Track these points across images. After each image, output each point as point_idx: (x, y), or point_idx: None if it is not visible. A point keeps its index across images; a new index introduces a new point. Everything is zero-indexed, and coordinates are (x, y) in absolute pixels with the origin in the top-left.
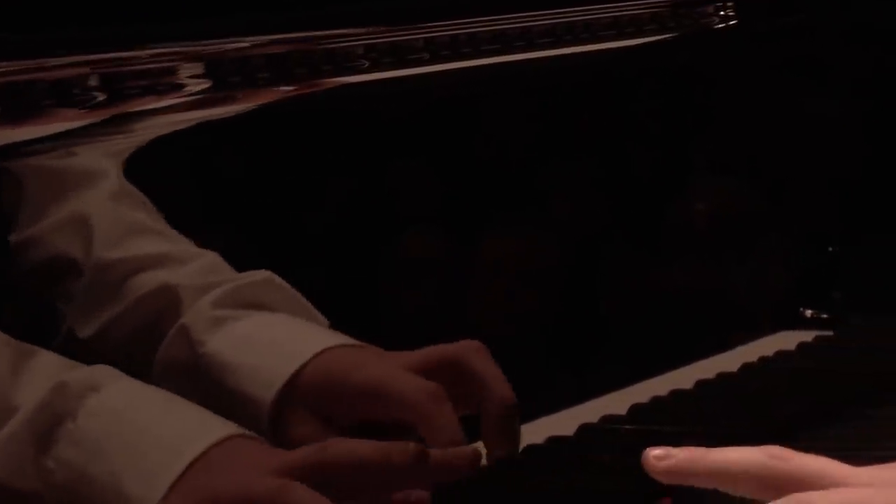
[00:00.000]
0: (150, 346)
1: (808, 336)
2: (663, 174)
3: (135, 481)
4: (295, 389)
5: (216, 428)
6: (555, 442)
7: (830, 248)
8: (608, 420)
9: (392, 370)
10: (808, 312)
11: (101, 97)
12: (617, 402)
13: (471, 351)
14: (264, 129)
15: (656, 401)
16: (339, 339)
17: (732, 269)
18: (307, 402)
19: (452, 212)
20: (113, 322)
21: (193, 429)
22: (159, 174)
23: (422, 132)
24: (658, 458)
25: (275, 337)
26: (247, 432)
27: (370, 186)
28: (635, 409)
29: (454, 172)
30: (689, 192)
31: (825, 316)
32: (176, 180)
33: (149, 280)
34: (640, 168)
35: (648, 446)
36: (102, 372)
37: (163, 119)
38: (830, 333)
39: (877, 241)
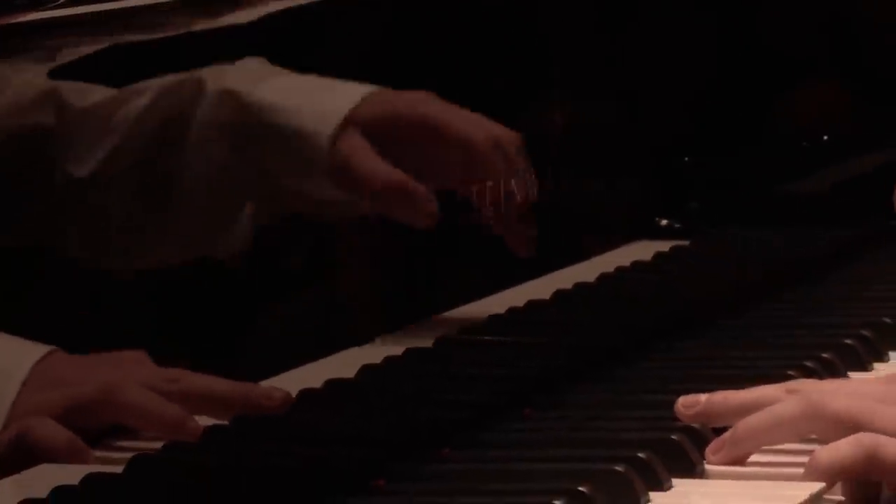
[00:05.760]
0: (172, 141)
1: (664, 246)
2: (518, 87)
3: None
4: (354, 124)
5: (36, 347)
6: (413, 354)
7: (686, 158)
8: (466, 331)
9: (451, 108)
10: (664, 222)
11: None
12: (474, 314)
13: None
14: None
15: (513, 312)
16: (378, 87)
17: (588, 178)
18: (367, 135)
19: None
20: (118, 150)
21: (14, 352)
22: None
23: (271, 50)
24: (686, 405)
25: (322, 82)
26: (57, 349)
27: None
28: (493, 321)
29: None
30: (543, 104)
31: (678, 226)
32: None
33: (141, 100)
34: (496, 80)
35: (506, 357)
36: None
37: None
38: (686, 243)
39: (732, 150)
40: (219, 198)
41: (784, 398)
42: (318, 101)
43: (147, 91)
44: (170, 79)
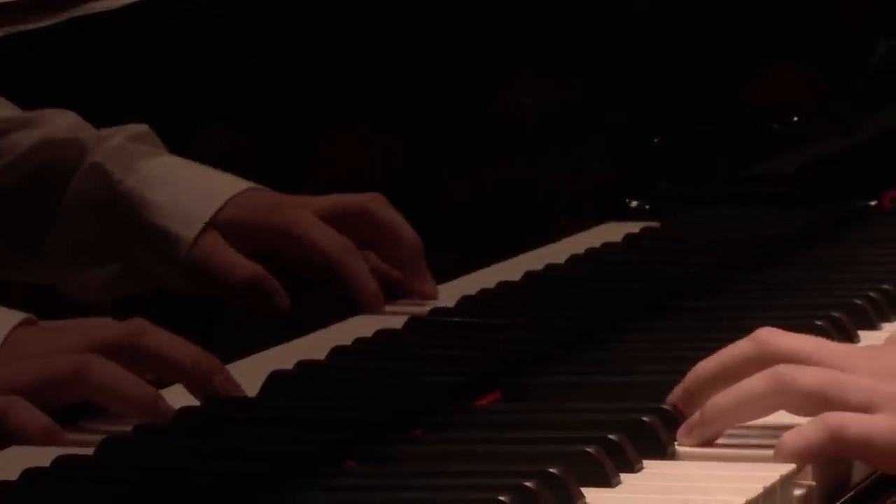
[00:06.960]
0: (46, 194)
1: (634, 227)
2: (486, 70)
3: None
4: (215, 228)
5: (11, 314)
6: (385, 335)
7: (655, 139)
8: (437, 312)
9: (308, 217)
10: (634, 203)
11: None
12: (445, 295)
13: (377, 200)
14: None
15: (485, 293)
16: (249, 183)
17: (558, 160)
18: (227, 239)
19: (280, 109)
20: None
21: None
22: None
23: (248, 28)
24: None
25: (192, 176)
26: (32, 317)
27: (194, 81)
28: (464, 302)
29: (280, 70)
30: (514, 85)
31: (649, 207)
32: None
33: (24, 138)
34: (463, 64)
35: (477, 338)
36: None
37: None
38: (656, 224)
39: (701, 131)
40: (84, 255)
41: (747, 351)
42: (185, 202)
43: (40, 126)
44: (61, 125)
